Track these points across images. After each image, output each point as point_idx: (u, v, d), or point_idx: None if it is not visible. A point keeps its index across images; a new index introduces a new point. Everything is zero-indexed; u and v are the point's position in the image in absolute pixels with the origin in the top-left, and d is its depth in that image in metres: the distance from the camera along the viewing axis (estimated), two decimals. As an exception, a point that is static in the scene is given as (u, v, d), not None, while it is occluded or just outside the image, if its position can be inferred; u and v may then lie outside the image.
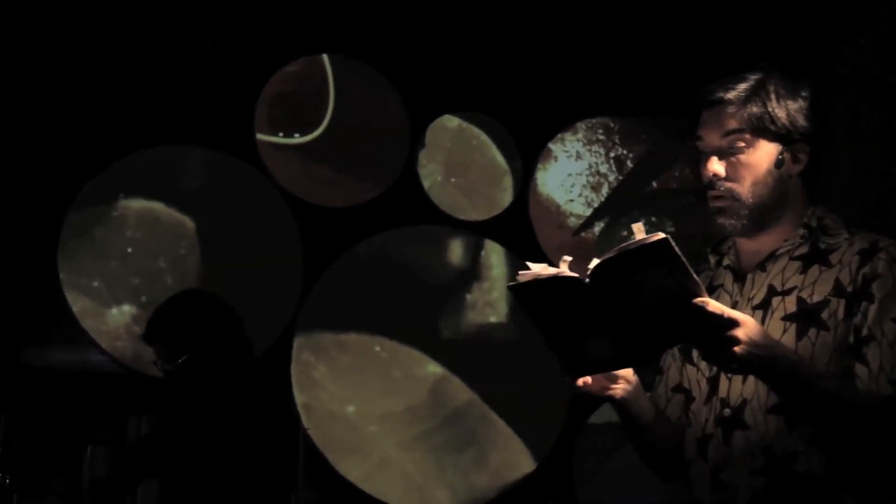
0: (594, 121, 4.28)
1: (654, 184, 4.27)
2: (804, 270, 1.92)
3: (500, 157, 4.24)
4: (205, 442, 2.94)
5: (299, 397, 3.95)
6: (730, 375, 1.93)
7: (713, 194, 1.94)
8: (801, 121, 1.94)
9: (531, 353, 3.97)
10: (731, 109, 1.92)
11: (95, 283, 3.88)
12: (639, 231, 1.72)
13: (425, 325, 4.10)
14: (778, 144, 1.93)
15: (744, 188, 1.92)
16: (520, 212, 4.19)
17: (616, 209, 4.25)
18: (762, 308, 1.93)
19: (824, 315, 1.86)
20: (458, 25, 4.05)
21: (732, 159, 1.93)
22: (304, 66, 4.13)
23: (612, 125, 4.30)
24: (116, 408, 3.87)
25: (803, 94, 1.96)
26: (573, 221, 4.25)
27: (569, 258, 1.80)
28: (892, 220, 3.29)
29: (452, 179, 4.23)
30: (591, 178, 4.27)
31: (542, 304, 1.79)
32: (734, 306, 1.94)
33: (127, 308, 3.89)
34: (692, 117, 2.00)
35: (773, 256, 1.96)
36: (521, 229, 4.17)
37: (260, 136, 4.05)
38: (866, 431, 1.80)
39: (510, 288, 1.80)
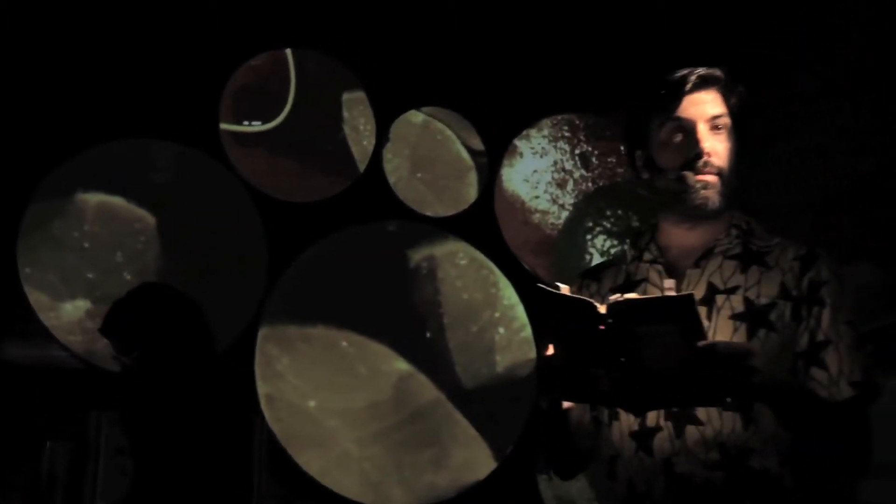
0: (559, 117, 4.28)
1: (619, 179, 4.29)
2: (744, 270, 1.95)
3: (465, 153, 4.24)
4: (163, 434, 2.91)
5: (262, 388, 3.92)
6: None
7: (704, 169, 1.95)
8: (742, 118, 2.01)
9: (499, 351, 3.99)
10: (721, 91, 1.99)
11: (51, 277, 3.83)
12: (669, 288, 1.86)
13: (393, 321, 4.09)
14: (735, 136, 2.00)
15: (727, 167, 1.97)
16: (485, 207, 4.19)
17: (581, 206, 4.26)
18: (705, 304, 1.94)
19: (772, 317, 1.90)
20: (424, 21, 4.04)
21: (718, 139, 1.97)
22: (268, 60, 4.10)
23: (577, 122, 4.30)
24: (77, 403, 3.84)
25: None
26: (538, 217, 4.25)
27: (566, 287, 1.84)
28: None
29: (418, 174, 4.22)
30: (556, 175, 4.27)
31: (557, 319, 1.82)
32: None
33: (81, 303, 3.85)
34: (665, 96, 1.99)
35: (709, 253, 1.99)
36: (486, 225, 4.17)
37: (223, 126, 4.02)
38: (826, 433, 1.84)
39: (537, 287, 1.82)
